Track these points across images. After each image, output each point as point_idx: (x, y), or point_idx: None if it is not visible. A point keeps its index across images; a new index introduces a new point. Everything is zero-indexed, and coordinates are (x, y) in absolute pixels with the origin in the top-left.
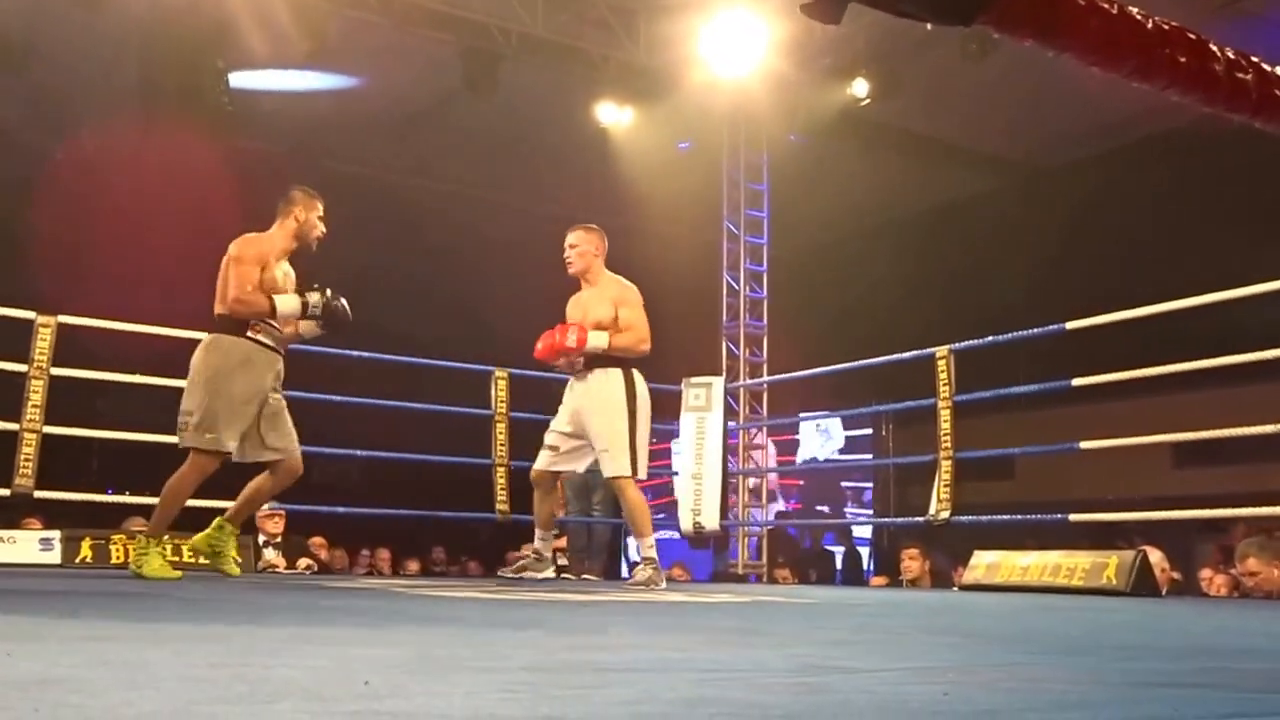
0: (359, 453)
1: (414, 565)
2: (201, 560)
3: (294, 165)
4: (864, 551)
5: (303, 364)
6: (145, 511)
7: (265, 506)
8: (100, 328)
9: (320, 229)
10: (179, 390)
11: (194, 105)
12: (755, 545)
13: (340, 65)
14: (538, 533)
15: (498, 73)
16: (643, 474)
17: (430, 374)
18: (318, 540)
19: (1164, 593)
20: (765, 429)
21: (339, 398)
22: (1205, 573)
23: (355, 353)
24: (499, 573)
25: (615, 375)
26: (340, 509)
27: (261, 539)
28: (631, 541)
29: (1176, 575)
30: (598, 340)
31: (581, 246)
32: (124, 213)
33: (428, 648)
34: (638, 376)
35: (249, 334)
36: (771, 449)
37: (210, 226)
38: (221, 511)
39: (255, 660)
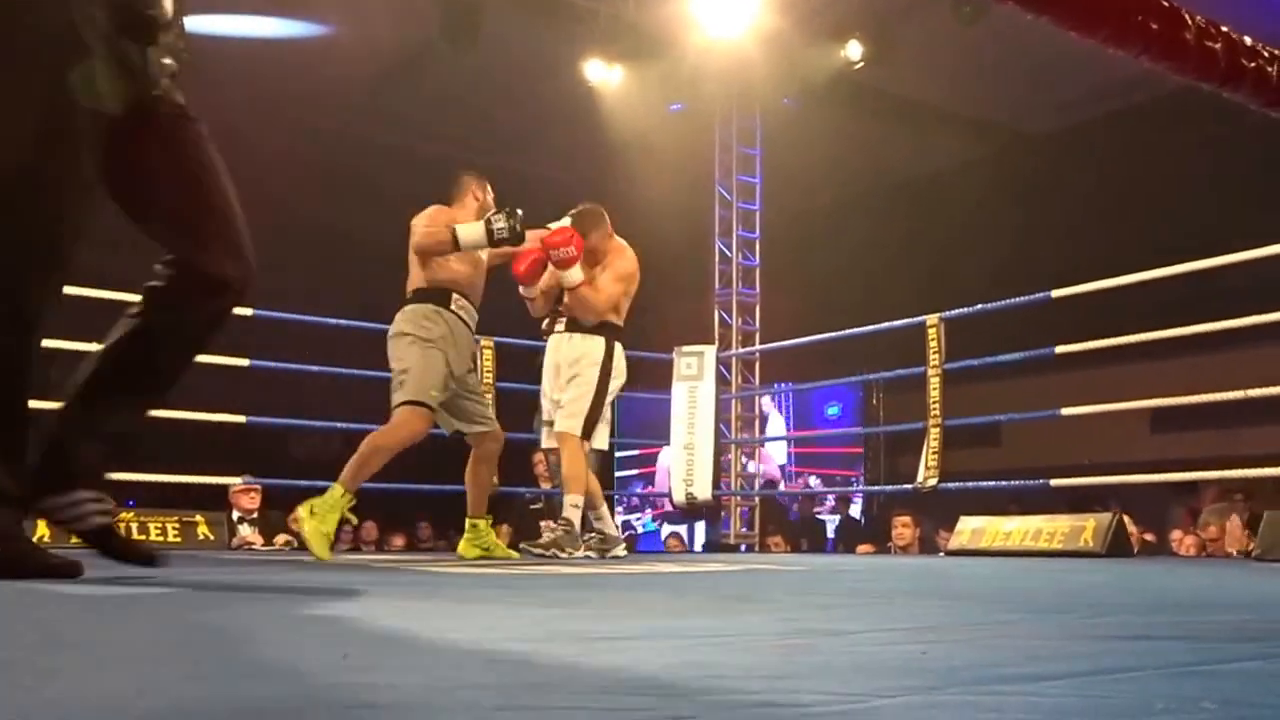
0: (339, 425)
1: (399, 540)
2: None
3: (253, 120)
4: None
5: (281, 333)
6: (109, 487)
7: (239, 481)
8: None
9: (491, 209)
10: None
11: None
12: (747, 515)
13: (306, 12)
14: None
15: (478, 24)
16: (597, 443)
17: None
18: (297, 515)
19: (1136, 553)
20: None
21: (316, 368)
22: (1176, 534)
23: (332, 320)
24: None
25: (599, 341)
26: (320, 483)
27: (236, 515)
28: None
29: (1149, 537)
30: (571, 276)
31: (594, 241)
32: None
33: (410, 621)
34: (619, 350)
35: (453, 307)
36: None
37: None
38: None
39: (227, 636)
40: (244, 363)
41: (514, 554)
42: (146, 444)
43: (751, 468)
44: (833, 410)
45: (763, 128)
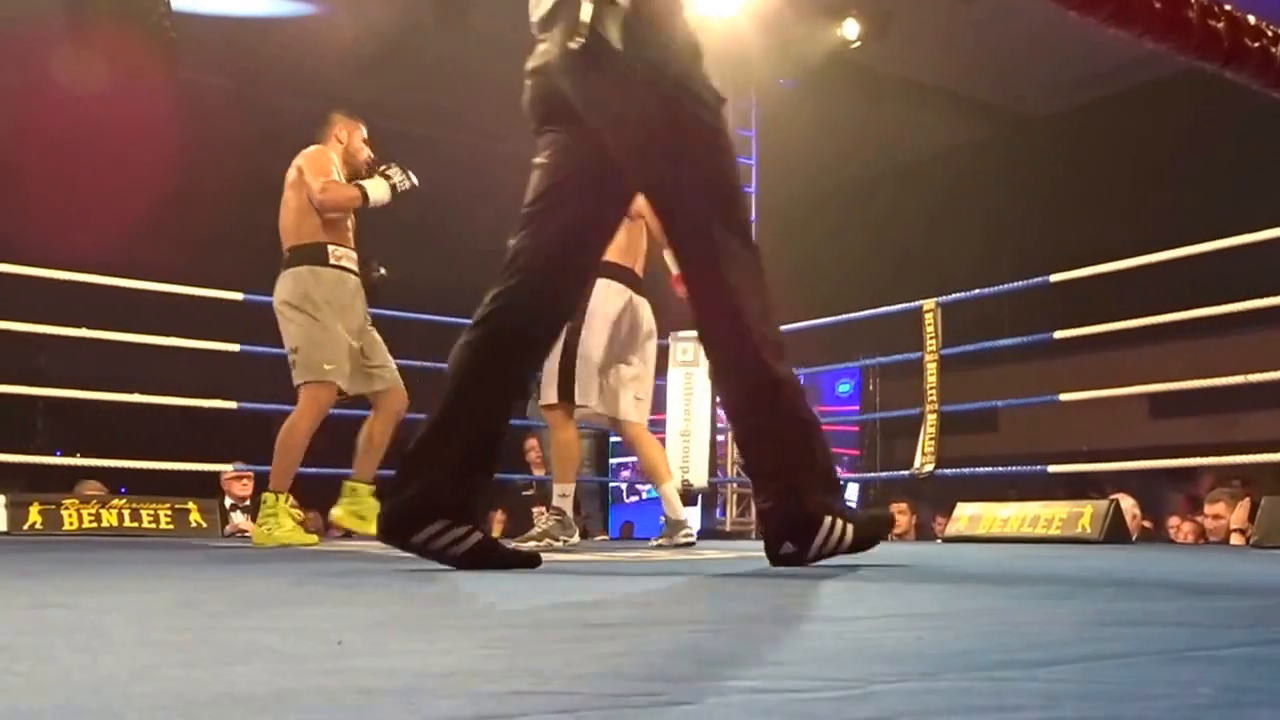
0: (331, 410)
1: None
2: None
3: (243, 100)
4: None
5: (268, 316)
6: (98, 474)
7: (231, 468)
8: (34, 276)
9: (367, 152)
10: (128, 345)
11: (131, 28)
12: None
13: None
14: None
15: (469, 5)
16: (581, 399)
17: (406, 327)
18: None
19: (1134, 539)
20: None
21: None
22: (1174, 520)
23: None
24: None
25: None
26: (312, 470)
27: (228, 502)
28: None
29: (1147, 523)
30: None
31: None
32: (52, 151)
33: (404, 607)
34: (599, 286)
35: (332, 262)
36: None
37: (151, 167)
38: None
39: (221, 623)
40: (234, 348)
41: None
42: (138, 431)
43: None
44: (844, 388)
45: (758, 109)
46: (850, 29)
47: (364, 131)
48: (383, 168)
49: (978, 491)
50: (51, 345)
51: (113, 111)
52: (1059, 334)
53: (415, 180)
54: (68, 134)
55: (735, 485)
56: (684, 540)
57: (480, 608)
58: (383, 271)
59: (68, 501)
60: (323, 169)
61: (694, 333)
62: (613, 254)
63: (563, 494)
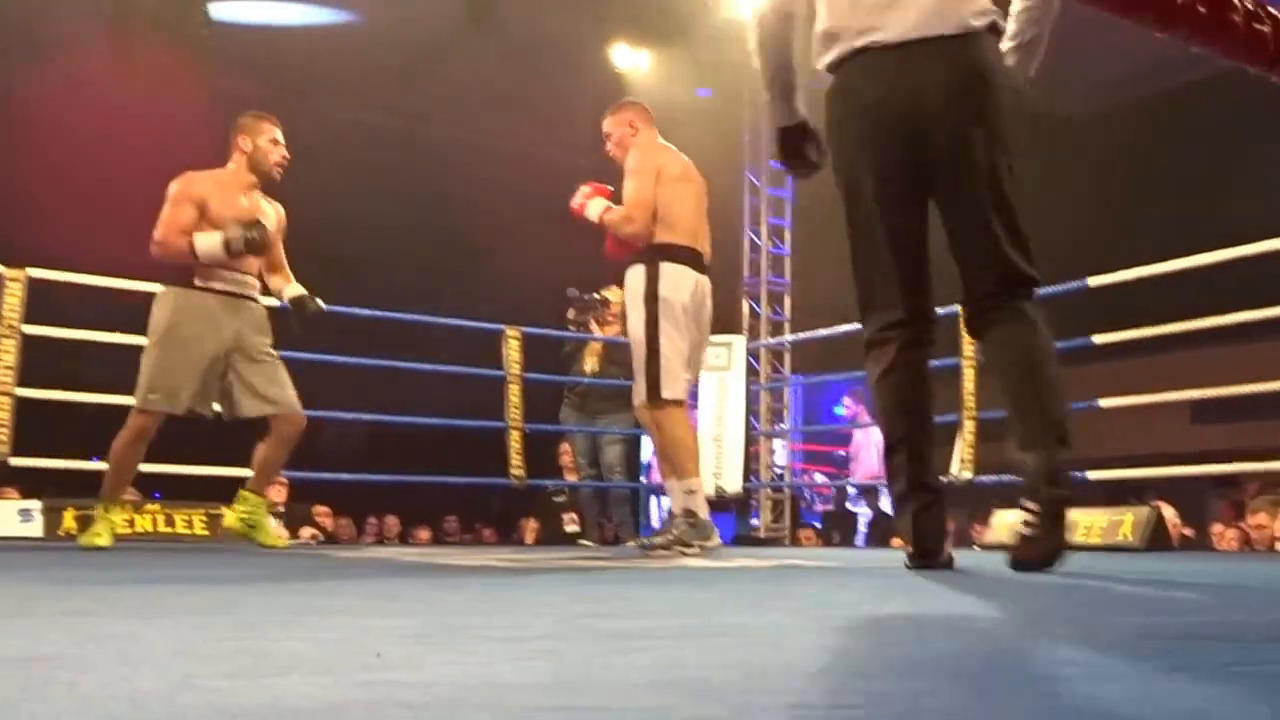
0: (364, 416)
1: (424, 534)
2: (239, 534)
3: (281, 107)
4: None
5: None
6: (136, 481)
7: None
8: (75, 283)
9: (278, 154)
10: None
11: (171, 37)
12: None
13: None
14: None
15: (503, 9)
16: (674, 393)
17: (439, 333)
18: (322, 509)
19: (1176, 547)
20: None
21: (341, 358)
22: (1217, 527)
23: (358, 310)
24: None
25: (637, 272)
26: (345, 475)
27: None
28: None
29: (1189, 531)
30: (592, 210)
31: (615, 133)
32: (94, 157)
33: (441, 617)
34: (668, 270)
35: (197, 282)
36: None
37: (190, 171)
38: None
39: (259, 633)
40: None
41: (276, 540)
42: (172, 437)
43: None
44: (840, 410)
45: None
46: None
47: (274, 131)
48: (235, 225)
49: (1016, 498)
50: (88, 351)
51: (152, 119)
52: (1098, 338)
53: (258, 237)
54: (109, 141)
55: (769, 491)
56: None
57: (516, 618)
58: (319, 303)
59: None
60: (166, 219)
61: (727, 337)
62: (680, 235)
63: (689, 490)
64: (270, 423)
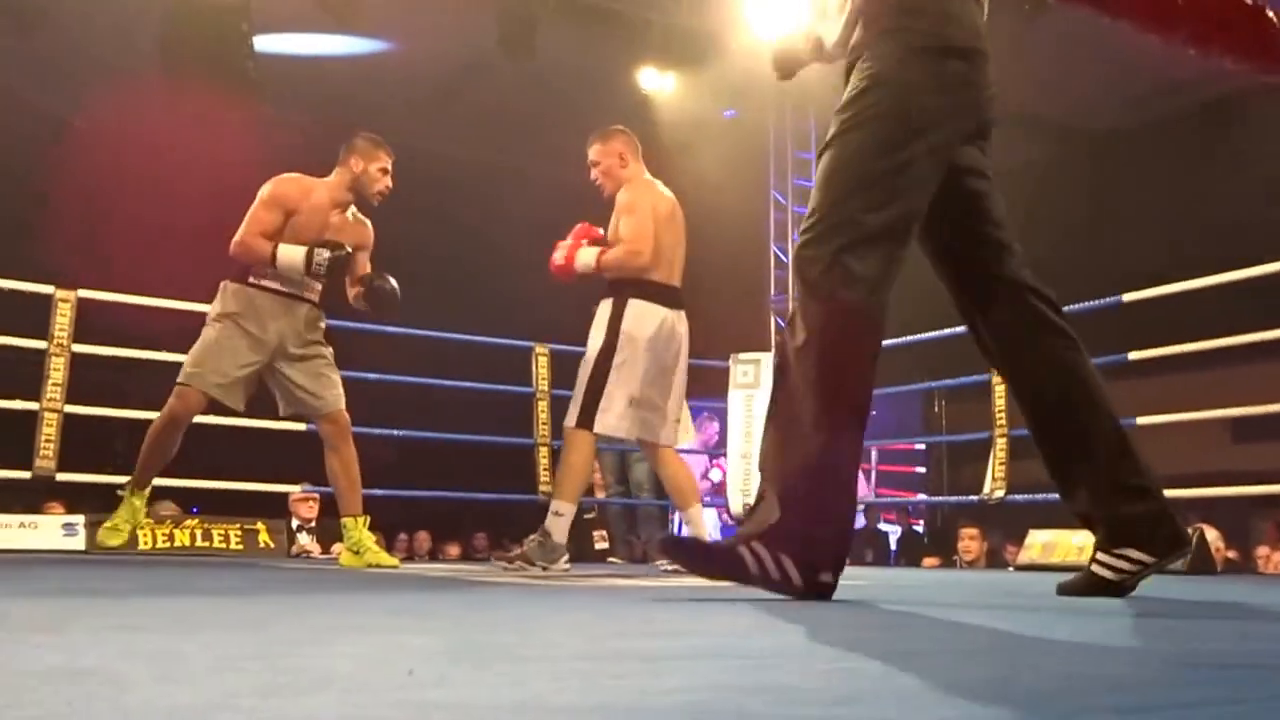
0: (395, 432)
1: (454, 550)
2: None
3: (322, 133)
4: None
5: (336, 341)
6: (175, 495)
7: (298, 489)
8: (123, 303)
9: (383, 183)
10: None
11: (217, 70)
12: None
13: (371, 29)
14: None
15: (534, 37)
16: (604, 428)
17: (470, 350)
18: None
19: (1219, 571)
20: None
21: (374, 375)
22: (1262, 550)
23: (391, 329)
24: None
25: (605, 307)
26: (376, 491)
27: (295, 524)
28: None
29: (1232, 554)
30: (585, 258)
31: (604, 162)
32: (144, 183)
33: (471, 635)
34: (635, 306)
35: (251, 280)
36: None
37: (234, 197)
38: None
39: (293, 650)
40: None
41: (390, 561)
42: (210, 452)
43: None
44: None
45: (817, 131)
46: None
47: (385, 160)
48: (324, 243)
49: (1050, 518)
50: (133, 369)
51: (199, 148)
52: (1134, 355)
53: (340, 263)
54: (158, 169)
55: None
56: None
57: (548, 638)
58: (391, 282)
59: (143, 521)
60: (251, 218)
61: (754, 355)
62: (658, 272)
63: (557, 512)
64: (320, 428)
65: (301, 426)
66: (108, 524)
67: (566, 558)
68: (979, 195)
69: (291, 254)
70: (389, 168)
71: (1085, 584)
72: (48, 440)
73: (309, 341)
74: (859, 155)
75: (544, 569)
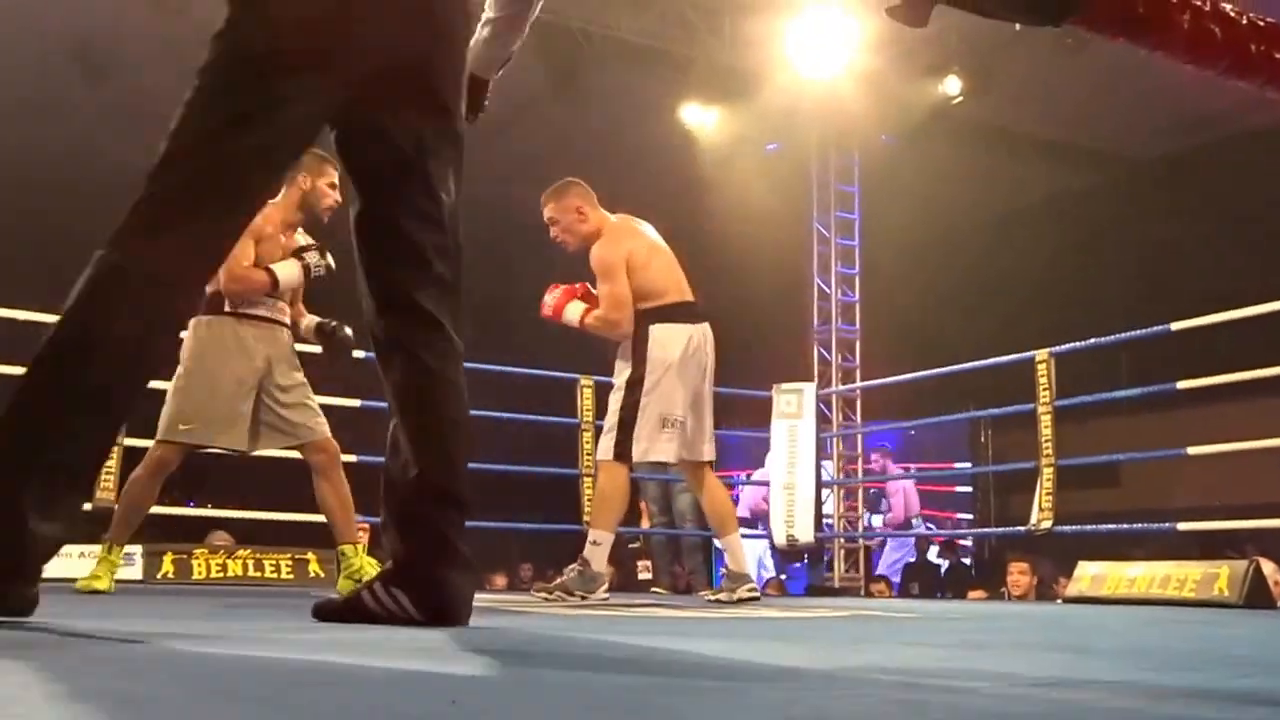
0: None
1: (500, 580)
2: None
3: None
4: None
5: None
6: (228, 525)
7: None
8: (179, 337)
9: (332, 197)
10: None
11: None
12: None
13: None
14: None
15: (580, 75)
16: (641, 455)
17: (515, 382)
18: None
19: (1278, 605)
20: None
21: None
22: None
23: None
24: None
25: (627, 341)
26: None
27: None
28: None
29: None
30: (570, 314)
31: (562, 220)
32: None
33: (515, 664)
34: (657, 331)
35: (228, 309)
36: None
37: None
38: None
39: (337, 682)
40: (355, 403)
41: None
42: (262, 483)
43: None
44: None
45: (861, 164)
46: (951, 85)
47: (333, 175)
48: (303, 248)
49: (1100, 550)
50: None
51: None
52: (1183, 384)
53: (332, 264)
54: None
55: (842, 540)
56: (747, 595)
57: (592, 666)
58: (348, 331)
59: (198, 551)
60: (236, 252)
61: (798, 385)
62: (667, 295)
63: (595, 542)
64: (307, 458)
65: (352, 457)
66: (87, 577)
67: (606, 586)
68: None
69: (287, 269)
70: (336, 181)
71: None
72: (108, 472)
73: (292, 367)
74: None
75: (583, 598)
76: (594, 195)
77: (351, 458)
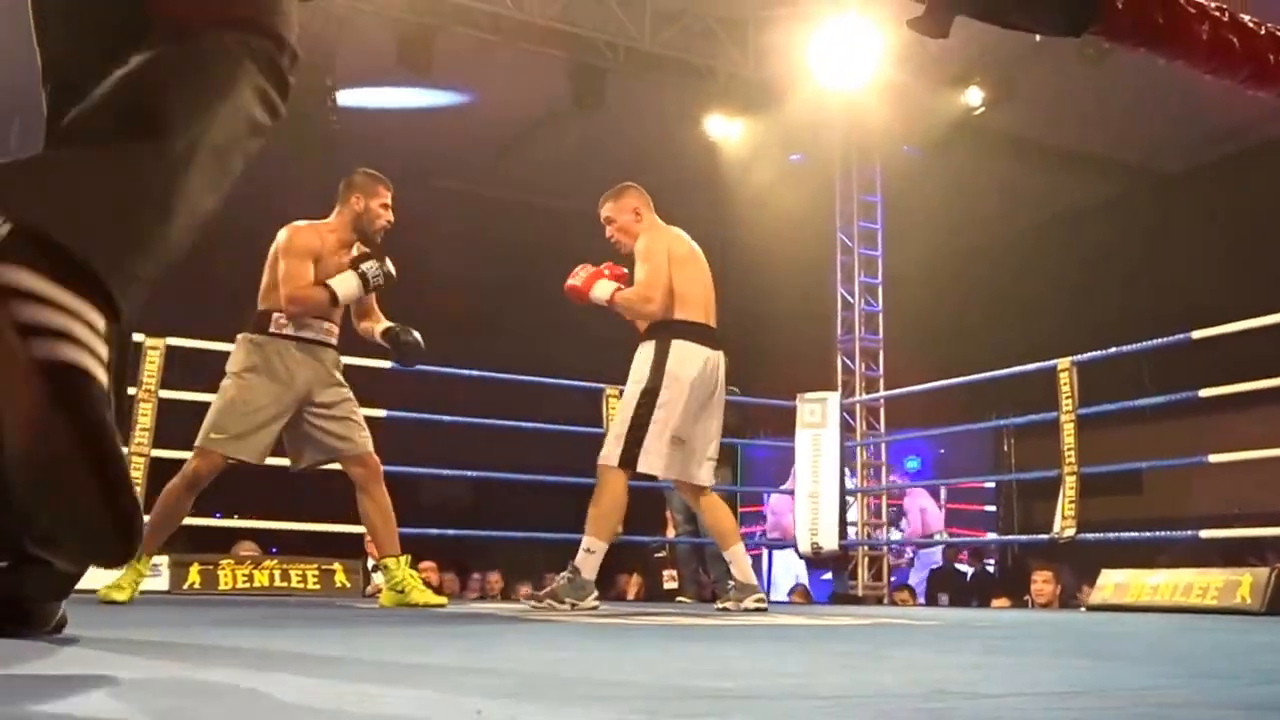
0: (470, 474)
1: (526, 590)
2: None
3: (404, 184)
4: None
5: (412, 384)
6: (255, 536)
7: None
8: (210, 350)
9: (384, 218)
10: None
11: (301, 124)
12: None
13: (449, 82)
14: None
15: (606, 88)
16: (648, 468)
17: (542, 392)
18: (428, 564)
19: None
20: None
21: (449, 418)
22: None
23: (465, 371)
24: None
25: (647, 348)
26: (450, 531)
27: (370, 563)
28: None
29: None
30: (600, 291)
31: (619, 220)
32: (229, 234)
33: (540, 674)
34: (679, 347)
35: (272, 330)
36: (929, 508)
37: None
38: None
39: (363, 689)
40: (381, 414)
41: (436, 600)
42: (289, 494)
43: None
44: (912, 464)
45: (883, 175)
46: (974, 96)
47: (385, 196)
48: (359, 258)
49: (1123, 557)
50: None
51: (284, 199)
52: (1205, 392)
53: (392, 271)
54: (243, 219)
55: (866, 549)
56: (755, 606)
57: (614, 676)
58: (415, 335)
59: (224, 562)
60: (292, 272)
61: (821, 394)
62: (693, 312)
63: (588, 549)
64: (350, 473)
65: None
66: (110, 584)
67: (595, 595)
68: None
69: (345, 283)
70: (389, 202)
71: None
72: (135, 483)
73: (335, 385)
74: None
75: (572, 606)
76: (650, 201)
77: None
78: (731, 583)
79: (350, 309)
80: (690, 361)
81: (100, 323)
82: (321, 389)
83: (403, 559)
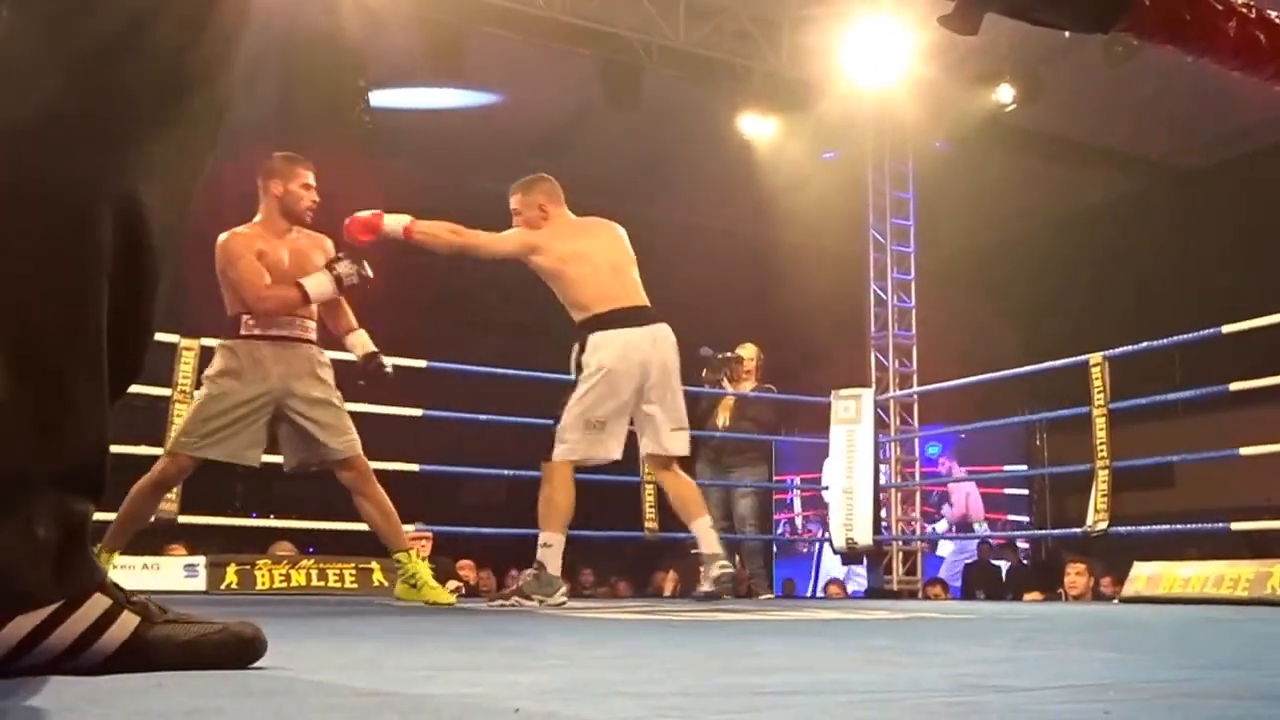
0: (506, 472)
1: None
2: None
3: (437, 183)
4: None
5: (448, 382)
6: (291, 536)
7: (411, 528)
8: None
9: (308, 198)
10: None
11: (335, 124)
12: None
13: (481, 82)
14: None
15: (639, 86)
16: (562, 456)
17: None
18: (465, 562)
19: None
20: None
21: (484, 416)
22: None
23: (499, 370)
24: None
25: (574, 352)
26: (487, 530)
27: None
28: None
29: None
30: (392, 223)
31: (525, 213)
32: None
33: (578, 672)
34: (593, 340)
35: (243, 332)
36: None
37: (349, 248)
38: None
39: (403, 688)
40: (416, 413)
41: (446, 596)
42: (326, 494)
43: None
44: (932, 449)
45: (915, 171)
46: (1004, 93)
47: (306, 176)
48: (335, 259)
49: (1155, 550)
50: None
51: (321, 198)
52: (1236, 385)
53: (369, 272)
54: None
55: (900, 544)
56: (720, 571)
57: (652, 673)
58: (389, 370)
59: (261, 562)
60: (247, 277)
61: (855, 390)
62: (600, 303)
63: (545, 544)
64: (343, 476)
65: (414, 467)
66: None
67: (564, 589)
68: None
69: (317, 282)
70: (311, 181)
71: None
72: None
73: (315, 380)
74: None
75: (540, 602)
76: (561, 195)
77: (413, 467)
78: (726, 566)
79: (320, 308)
80: (605, 348)
81: None
82: (299, 382)
83: (414, 552)
